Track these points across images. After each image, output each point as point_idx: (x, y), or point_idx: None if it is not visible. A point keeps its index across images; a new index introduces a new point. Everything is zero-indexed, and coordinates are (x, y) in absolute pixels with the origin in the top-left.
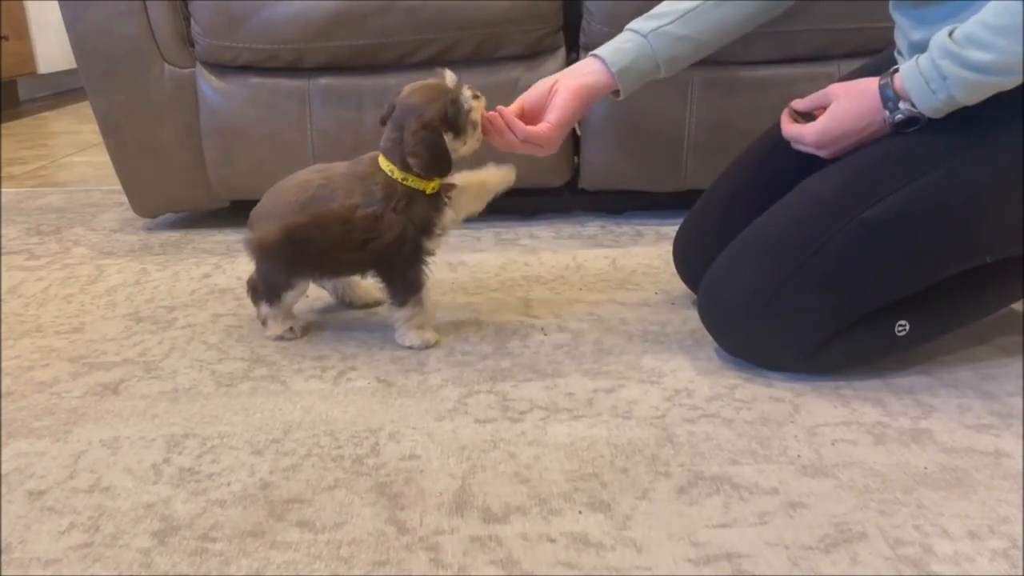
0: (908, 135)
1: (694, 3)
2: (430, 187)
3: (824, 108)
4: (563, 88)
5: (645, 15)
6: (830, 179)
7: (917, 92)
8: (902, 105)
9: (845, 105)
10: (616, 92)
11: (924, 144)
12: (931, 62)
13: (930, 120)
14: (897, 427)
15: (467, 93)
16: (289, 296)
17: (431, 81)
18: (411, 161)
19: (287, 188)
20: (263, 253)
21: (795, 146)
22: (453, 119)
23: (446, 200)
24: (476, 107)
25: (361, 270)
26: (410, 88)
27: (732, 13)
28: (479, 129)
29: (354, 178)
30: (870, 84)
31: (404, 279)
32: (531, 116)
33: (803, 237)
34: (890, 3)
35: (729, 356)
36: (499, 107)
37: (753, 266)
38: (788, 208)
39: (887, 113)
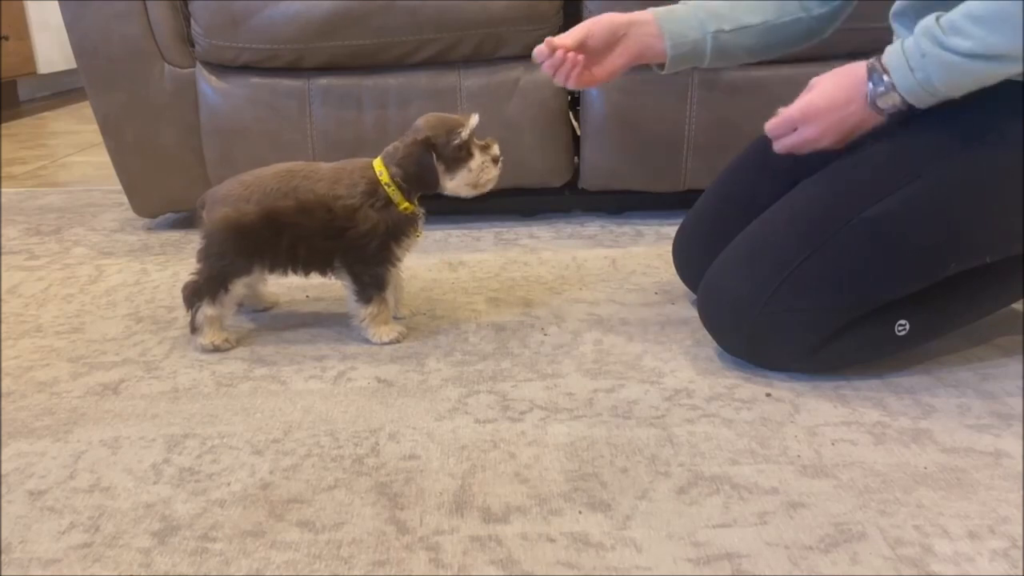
0: (907, 135)
1: (757, 21)
2: (403, 205)
3: None
4: (628, 49)
5: (709, 6)
6: (830, 179)
7: (897, 69)
8: (886, 78)
9: (829, 82)
10: (660, 66)
11: (924, 144)
12: (914, 42)
13: (911, 109)
14: (897, 427)
15: (466, 133)
16: (239, 286)
17: (449, 115)
18: (394, 170)
19: (266, 176)
20: (234, 232)
21: (778, 146)
22: (443, 148)
23: (417, 229)
24: (477, 157)
25: (328, 262)
26: (428, 114)
27: (782, 39)
28: (472, 175)
29: (341, 173)
30: (858, 64)
31: (372, 276)
32: (589, 51)
33: (803, 236)
34: (891, 15)
35: (729, 356)
36: (571, 54)
37: (753, 266)
38: (788, 208)
39: (870, 86)
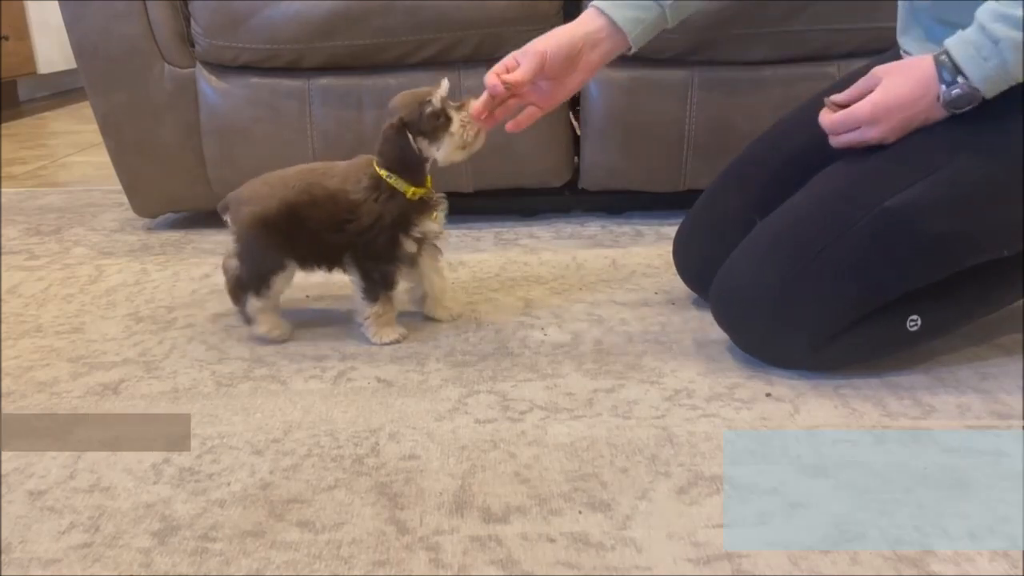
0: (927, 126)
1: None
2: (410, 191)
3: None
4: (591, 62)
5: None
6: (848, 170)
7: (967, 62)
8: (960, 79)
9: (898, 79)
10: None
11: (944, 134)
12: (980, 29)
13: (983, 100)
14: (897, 427)
15: (437, 100)
16: (278, 281)
17: (420, 88)
18: (377, 159)
19: (288, 175)
20: (262, 228)
21: (835, 141)
22: (419, 123)
23: (434, 213)
24: (456, 118)
25: (338, 258)
26: (400, 93)
27: None
28: (456, 138)
29: (350, 170)
30: (923, 58)
31: (382, 273)
32: (548, 76)
33: (822, 227)
34: (898, 33)
35: (729, 356)
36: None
37: (770, 257)
38: (806, 199)
39: (943, 88)
